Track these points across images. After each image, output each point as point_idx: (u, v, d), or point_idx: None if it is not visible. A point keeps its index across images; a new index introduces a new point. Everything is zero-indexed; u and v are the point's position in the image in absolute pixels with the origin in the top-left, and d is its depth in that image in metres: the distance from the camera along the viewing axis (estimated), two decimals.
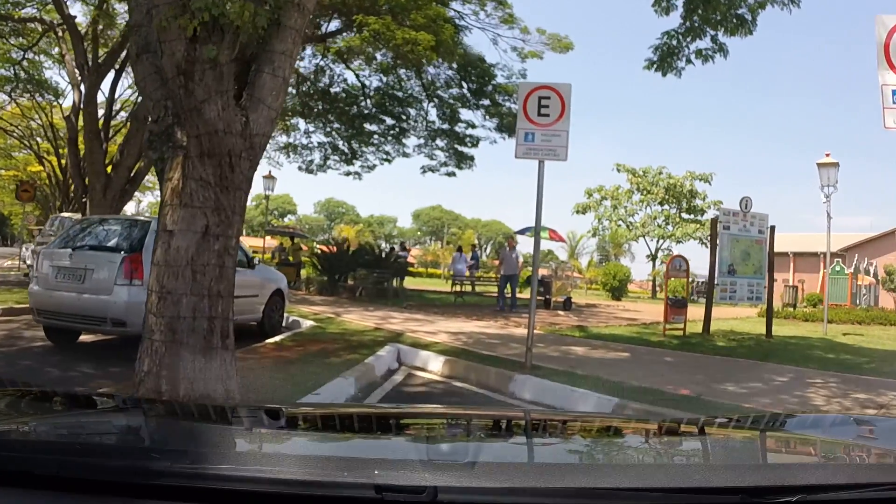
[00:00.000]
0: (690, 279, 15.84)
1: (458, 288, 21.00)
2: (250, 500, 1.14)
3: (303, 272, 24.16)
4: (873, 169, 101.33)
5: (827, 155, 15.51)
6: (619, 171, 44.10)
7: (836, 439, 1.86)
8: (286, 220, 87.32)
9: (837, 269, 32.54)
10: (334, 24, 18.85)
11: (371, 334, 10.15)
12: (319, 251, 23.36)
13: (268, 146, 24.68)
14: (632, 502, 1.19)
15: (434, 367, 7.68)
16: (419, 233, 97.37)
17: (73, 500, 1.18)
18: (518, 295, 18.37)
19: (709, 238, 42.61)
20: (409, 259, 37.57)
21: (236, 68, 5.48)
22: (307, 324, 11.31)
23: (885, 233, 46.11)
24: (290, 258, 25.17)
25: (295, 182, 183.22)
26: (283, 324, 11.58)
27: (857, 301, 32.18)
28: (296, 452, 1.52)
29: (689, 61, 10.93)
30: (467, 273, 22.49)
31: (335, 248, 22.80)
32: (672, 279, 14.93)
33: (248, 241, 52.76)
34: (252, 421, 1.93)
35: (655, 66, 10.91)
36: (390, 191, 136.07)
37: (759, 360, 9.56)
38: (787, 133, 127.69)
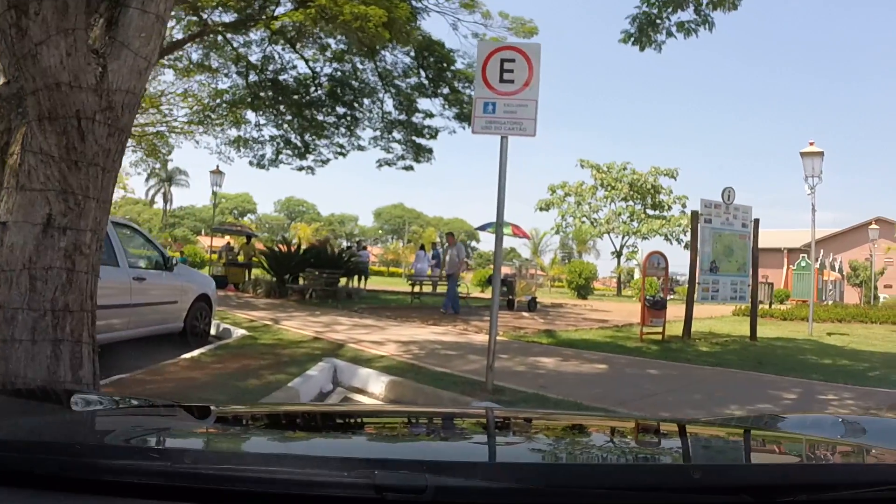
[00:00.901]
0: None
1: (417, 289, 19.66)
2: (250, 500, 1.07)
3: (254, 272, 22.63)
4: (836, 165, 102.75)
5: (811, 144, 14.47)
6: (582, 166, 43.48)
7: (835, 439, 1.78)
8: (245, 219, 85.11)
9: (803, 264, 32.09)
10: (282, 10, 17.43)
11: (308, 346, 8.71)
12: (268, 250, 21.68)
13: (217, 139, 22.82)
14: (632, 502, 1.11)
15: (375, 388, 6.27)
16: (381, 231, 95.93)
17: (73, 500, 1.11)
18: (477, 295, 16.94)
19: (674, 234, 42.10)
20: (371, 258, 36.09)
21: (105, 9, 4.08)
22: (238, 333, 9.83)
23: (849, 228, 46.42)
24: (241, 258, 23.65)
25: (254, 181, 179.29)
26: (214, 332, 10.17)
27: (823, 297, 31.84)
28: (295, 452, 1.41)
29: (669, 34, 9.81)
30: (429, 272, 21.30)
31: (285, 248, 21.21)
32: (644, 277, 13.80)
33: (205, 241, 50.96)
34: (251, 421, 1.88)
35: (633, 38, 9.78)
36: (351, 189, 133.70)
37: (755, 371, 8.43)
38: (754, 130, 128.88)
